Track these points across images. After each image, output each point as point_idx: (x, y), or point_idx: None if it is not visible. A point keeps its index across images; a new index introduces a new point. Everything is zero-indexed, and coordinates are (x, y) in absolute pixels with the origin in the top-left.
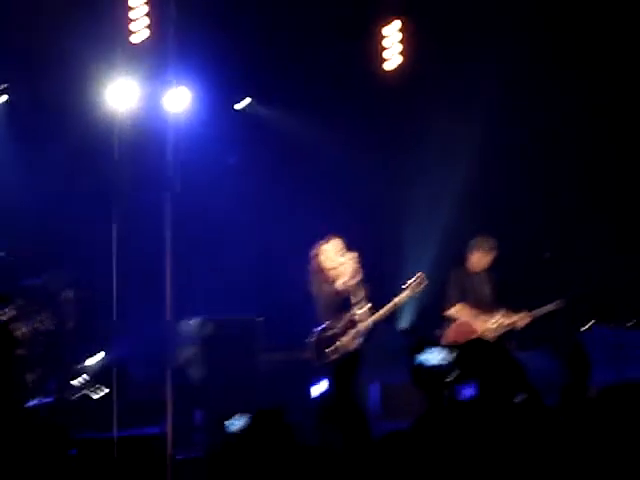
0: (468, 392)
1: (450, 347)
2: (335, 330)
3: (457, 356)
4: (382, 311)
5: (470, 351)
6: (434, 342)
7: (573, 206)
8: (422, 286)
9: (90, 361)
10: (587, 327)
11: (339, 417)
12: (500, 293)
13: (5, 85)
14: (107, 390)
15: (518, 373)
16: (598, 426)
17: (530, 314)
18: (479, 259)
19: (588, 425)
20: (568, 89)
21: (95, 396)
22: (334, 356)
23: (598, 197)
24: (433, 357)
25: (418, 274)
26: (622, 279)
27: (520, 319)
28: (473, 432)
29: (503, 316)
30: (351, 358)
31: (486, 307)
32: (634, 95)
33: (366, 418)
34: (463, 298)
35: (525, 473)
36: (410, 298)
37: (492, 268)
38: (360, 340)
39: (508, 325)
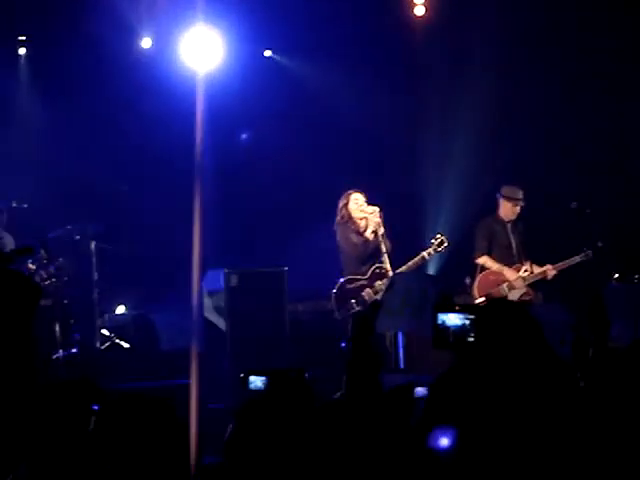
0: (442, 442)
1: (470, 308)
2: (362, 281)
3: (476, 317)
4: (405, 267)
5: (489, 312)
6: (454, 303)
7: (600, 158)
8: (444, 246)
9: (118, 310)
10: (613, 279)
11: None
12: (527, 243)
13: (24, 37)
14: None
15: (537, 334)
16: (625, 382)
17: (556, 266)
18: (507, 209)
19: (611, 382)
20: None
21: (125, 345)
22: (359, 307)
23: (623, 150)
24: (454, 318)
25: (438, 235)
26: None
27: (546, 271)
28: (492, 394)
29: (529, 268)
30: (373, 308)
31: (513, 257)
32: None
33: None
34: (490, 247)
35: (544, 431)
36: (431, 257)
37: (520, 218)
38: (384, 291)
39: (536, 276)
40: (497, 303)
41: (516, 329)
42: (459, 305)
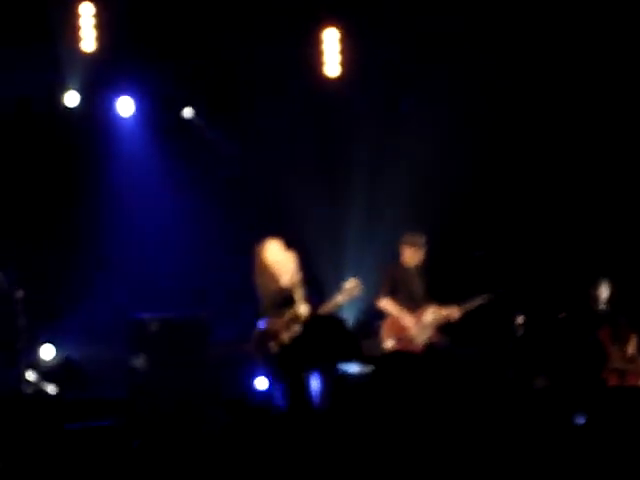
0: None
1: (367, 360)
2: (278, 325)
3: (374, 369)
4: (323, 308)
5: (386, 364)
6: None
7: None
8: (357, 289)
9: (44, 356)
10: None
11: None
12: (431, 288)
13: None
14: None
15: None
16: None
17: (460, 307)
18: (409, 255)
19: None
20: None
21: (51, 391)
22: (276, 349)
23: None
24: (354, 367)
25: (352, 279)
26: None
27: (451, 313)
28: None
29: (434, 312)
30: (292, 351)
31: (417, 302)
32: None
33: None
34: (394, 292)
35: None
36: (347, 301)
37: (423, 264)
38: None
39: (441, 318)
40: (395, 357)
41: (415, 381)
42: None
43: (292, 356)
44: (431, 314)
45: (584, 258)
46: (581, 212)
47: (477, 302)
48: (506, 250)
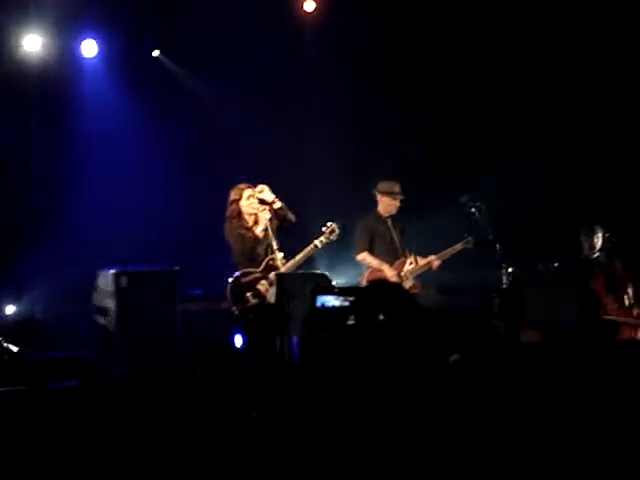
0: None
1: (349, 290)
2: (254, 275)
3: (355, 299)
4: (298, 257)
5: (368, 293)
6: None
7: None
8: (335, 234)
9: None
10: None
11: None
12: (408, 238)
13: None
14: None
15: (416, 312)
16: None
17: (439, 255)
18: (385, 204)
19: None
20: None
21: (13, 348)
22: (254, 300)
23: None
24: (333, 300)
25: (329, 224)
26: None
27: (430, 262)
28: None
29: (413, 260)
30: (268, 308)
31: (396, 252)
32: None
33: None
34: (372, 244)
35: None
36: (323, 245)
37: (400, 212)
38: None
39: (420, 268)
40: (376, 285)
41: (395, 308)
42: (338, 287)
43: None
44: (410, 264)
45: (577, 204)
46: (574, 156)
47: (456, 249)
48: (495, 197)
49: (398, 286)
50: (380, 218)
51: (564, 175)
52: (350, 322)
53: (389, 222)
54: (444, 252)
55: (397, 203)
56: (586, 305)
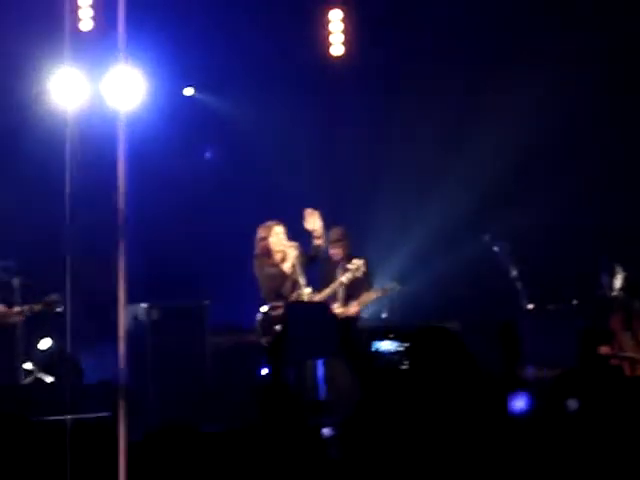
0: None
1: (404, 335)
2: (282, 310)
3: (411, 345)
4: (324, 292)
5: (424, 340)
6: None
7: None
8: (360, 271)
9: (40, 346)
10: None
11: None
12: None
13: None
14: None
15: (470, 361)
16: None
17: (357, 303)
18: (333, 249)
19: None
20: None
21: (48, 380)
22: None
23: None
24: (388, 345)
25: (356, 260)
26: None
27: (348, 309)
28: (424, 424)
29: (338, 307)
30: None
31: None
32: None
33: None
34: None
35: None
36: (349, 281)
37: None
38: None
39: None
40: (432, 331)
41: (450, 357)
42: (393, 332)
43: (298, 343)
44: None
45: (596, 244)
46: (593, 196)
47: (373, 295)
48: (518, 236)
49: (454, 334)
50: (332, 260)
51: (585, 211)
52: (404, 367)
53: (338, 264)
54: (364, 296)
55: (342, 248)
56: (587, 344)
